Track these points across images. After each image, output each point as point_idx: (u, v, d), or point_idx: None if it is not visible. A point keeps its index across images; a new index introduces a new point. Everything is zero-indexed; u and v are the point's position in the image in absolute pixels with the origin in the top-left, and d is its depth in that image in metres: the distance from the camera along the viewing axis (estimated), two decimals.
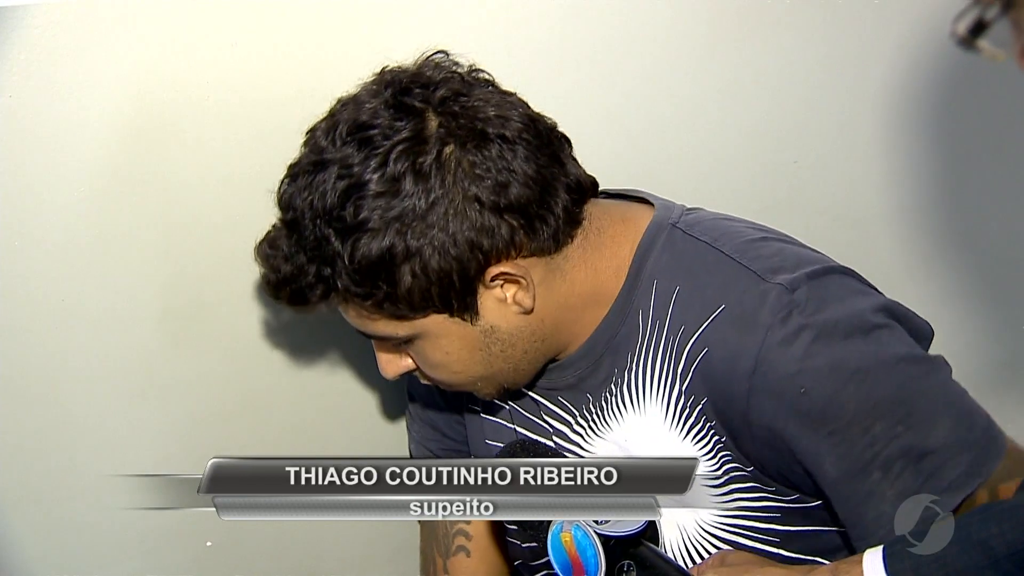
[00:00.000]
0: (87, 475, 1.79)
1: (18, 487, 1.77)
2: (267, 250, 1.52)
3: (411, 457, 1.87)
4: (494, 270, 1.47)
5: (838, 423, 1.44)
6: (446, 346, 1.52)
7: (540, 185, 1.47)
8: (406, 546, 1.94)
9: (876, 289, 1.54)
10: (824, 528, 1.55)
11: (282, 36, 1.71)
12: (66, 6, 1.60)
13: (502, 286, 1.49)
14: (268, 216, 1.72)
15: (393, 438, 1.90)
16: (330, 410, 1.88)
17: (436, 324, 1.50)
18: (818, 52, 1.94)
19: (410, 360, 1.58)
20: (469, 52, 1.54)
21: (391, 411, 1.91)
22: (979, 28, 1.01)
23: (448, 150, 1.44)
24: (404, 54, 1.70)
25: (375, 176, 1.43)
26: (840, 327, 1.46)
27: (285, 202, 1.50)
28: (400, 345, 1.55)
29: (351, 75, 1.71)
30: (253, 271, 1.74)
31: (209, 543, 1.87)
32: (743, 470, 1.53)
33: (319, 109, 1.69)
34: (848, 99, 1.97)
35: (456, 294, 1.47)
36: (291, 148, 1.70)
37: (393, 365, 1.59)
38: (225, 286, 1.77)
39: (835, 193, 2.02)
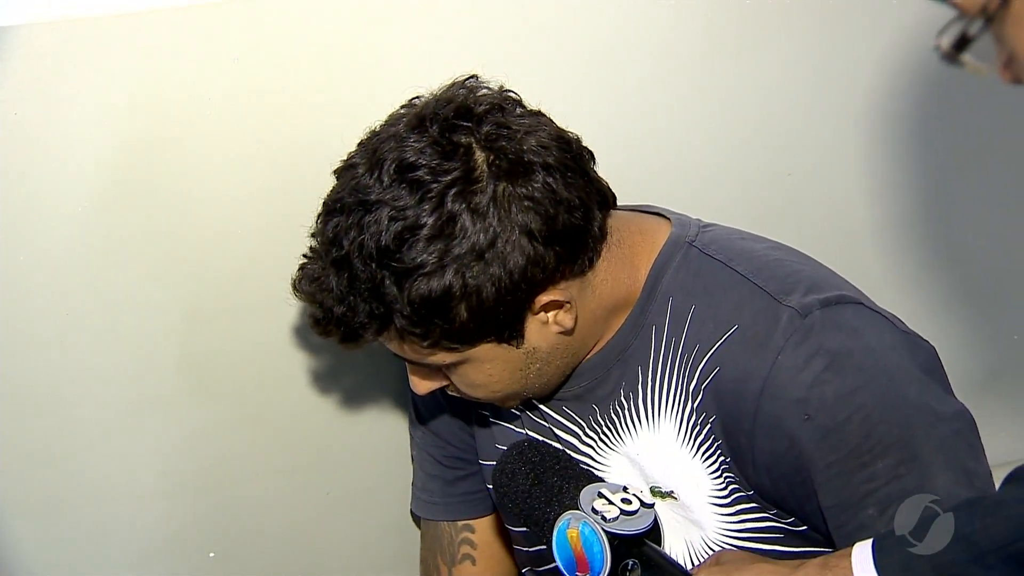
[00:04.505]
0: (91, 485, 1.79)
1: (22, 496, 1.77)
2: (309, 288, 1.51)
3: (414, 462, 1.88)
4: (544, 298, 1.48)
5: (837, 454, 1.44)
6: (490, 369, 1.53)
7: (582, 210, 1.48)
8: (405, 554, 1.94)
9: (885, 315, 1.54)
10: (825, 550, 1.51)
11: (284, 50, 1.71)
12: (69, 24, 1.61)
13: (546, 311, 1.50)
14: (270, 228, 1.75)
15: (396, 446, 1.91)
16: (333, 418, 1.87)
17: (484, 351, 1.50)
18: (814, 64, 1.95)
19: (443, 379, 1.58)
20: (467, 63, 1.54)
21: (394, 418, 1.91)
22: (962, 43, 1.01)
23: (501, 186, 1.44)
24: (405, 66, 1.72)
25: (430, 219, 1.43)
26: (853, 359, 1.46)
27: (329, 239, 1.48)
28: (440, 368, 1.56)
29: (352, 88, 1.73)
30: (255, 282, 1.77)
31: (212, 554, 1.88)
32: (745, 491, 1.53)
33: (321, 122, 1.72)
34: (843, 111, 1.98)
35: (507, 323, 1.48)
36: (293, 161, 1.73)
37: (425, 384, 1.60)
38: (228, 297, 1.78)
39: (829, 204, 2.02)
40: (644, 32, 1.87)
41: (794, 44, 1.93)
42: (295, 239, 1.58)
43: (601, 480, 1.43)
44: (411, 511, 1.91)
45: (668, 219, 1.61)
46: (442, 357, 1.51)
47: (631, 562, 1.35)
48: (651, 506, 1.37)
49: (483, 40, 1.79)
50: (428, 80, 1.53)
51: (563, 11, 1.82)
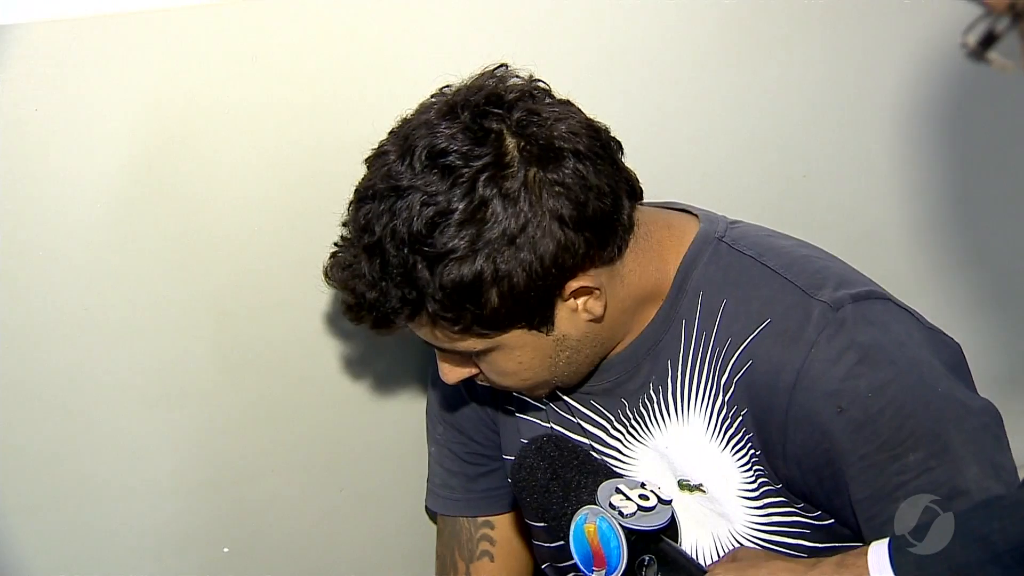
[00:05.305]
0: (104, 482, 1.80)
1: (35, 494, 1.77)
2: (342, 274, 1.51)
3: (431, 459, 1.88)
4: (573, 284, 1.49)
5: (870, 447, 1.45)
6: (520, 356, 1.53)
7: (611, 197, 1.48)
8: (419, 551, 1.95)
9: (911, 311, 1.55)
10: (850, 545, 1.52)
11: (302, 49, 1.71)
12: (90, 21, 1.61)
13: (576, 297, 1.51)
14: (285, 228, 1.75)
15: (409, 443, 1.91)
16: (346, 417, 1.88)
17: (514, 337, 1.51)
18: (829, 65, 1.94)
19: (473, 367, 1.58)
20: (479, 65, 1.54)
21: (408, 415, 1.91)
22: (989, 40, 1.02)
23: (532, 172, 1.45)
24: (419, 67, 1.69)
25: (462, 204, 1.43)
26: (885, 353, 1.47)
27: (361, 225, 1.49)
28: (470, 356, 1.56)
29: (368, 89, 1.73)
30: (269, 280, 1.77)
31: (226, 549, 1.88)
32: (774, 485, 1.53)
33: (339, 120, 1.72)
34: (858, 112, 1.97)
35: (538, 309, 1.49)
36: (309, 160, 1.73)
37: (456, 372, 1.60)
38: (242, 296, 1.78)
39: (844, 206, 2.02)
40: (659, 33, 1.87)
41: (809, 45, 1.93)
42: (313, 238, 1.59)
43: (620, 476, 1.43)
44: (426, 507, 1.91)
45: (695, 215, 1.61)
46: (473, 343, 1.51)
47: (648, 558, 1.35)
48: (668, 502, 1.37)
49: (500, 42, 1.76)
50: (440, 80, 1.54)
51: (579, 13, 1.82)
